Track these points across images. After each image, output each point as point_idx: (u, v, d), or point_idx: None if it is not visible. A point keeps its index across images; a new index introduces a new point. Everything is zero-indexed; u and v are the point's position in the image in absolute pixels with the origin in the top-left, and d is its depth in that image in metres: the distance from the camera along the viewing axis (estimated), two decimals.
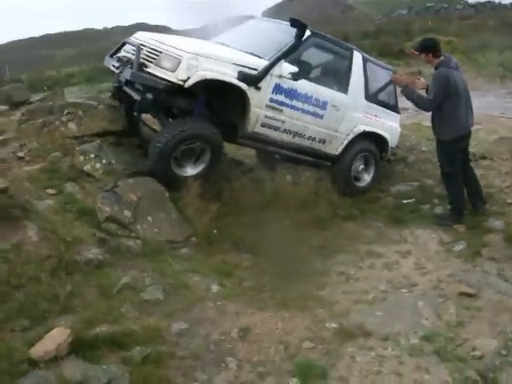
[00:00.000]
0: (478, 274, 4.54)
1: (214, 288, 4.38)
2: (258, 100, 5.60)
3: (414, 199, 6.33)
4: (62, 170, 5.51)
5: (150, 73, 5.28)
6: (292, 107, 5.88)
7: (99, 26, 38.34)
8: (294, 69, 5.67)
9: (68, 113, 6.24)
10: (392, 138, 7.02)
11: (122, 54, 5.94)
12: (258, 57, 5.74)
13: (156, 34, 6.23)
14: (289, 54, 5.72)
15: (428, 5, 37.45)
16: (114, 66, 5.74)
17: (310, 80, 6.02)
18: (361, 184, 6.80)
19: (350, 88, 6.45)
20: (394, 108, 7.15)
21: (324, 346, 3.64)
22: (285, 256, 5.25)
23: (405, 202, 6.35)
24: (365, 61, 6.67)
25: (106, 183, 5.34)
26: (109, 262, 4.40)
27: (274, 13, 37.19)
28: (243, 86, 5.42)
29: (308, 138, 6.20)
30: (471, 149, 6.89)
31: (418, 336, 3.73)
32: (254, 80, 5.48)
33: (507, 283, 4.34)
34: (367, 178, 6.86)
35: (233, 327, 3.77)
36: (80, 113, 6.22)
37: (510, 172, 6.12)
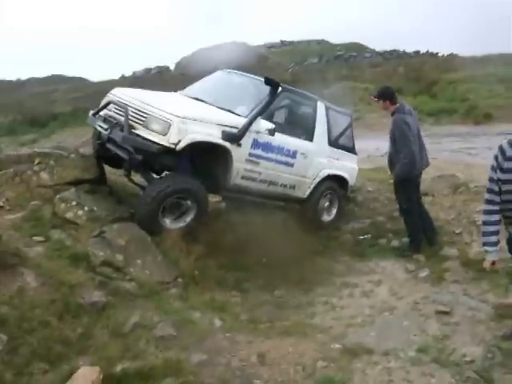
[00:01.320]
0: (447, 294, 5.16)
1: (217, 322, 4.63)
2: (239, 155, 6.02)
3: (369, 235, 6.93)
4: (44, 218, 5.55)
5: (138, 135, 5.53)
6: (267, 159, 6.35)
7: (13, 78, 37.19)
8: (271, 125, 6.16)
9: (39, 162, 6.31)
10: (351, 178, 7.68)
11: (104, 112, 6.15)
12: (237, 114, 6.19)
13: (132, 90, 6.54)
14: (264, 111, 6.23)
15: (338, 53, 39.44)
16: (101, 126, 5.92)
17: (282, 132, 6.46)
18: (326, 219, 7.37)
19: (315, 136, 7.03)
20: (352, 150, 7.81)
21: (335, 363, 3.97)
22: (269, 291, 5.63)
23: (362, 237, 6.95)
24: (327, 109, 7.27)
25: (91, 229, 5.47)
26: (112, 304, 4.51)
27: (190, 62, 38.24)
28: (227, 144, 5.84)
29: (280, 185, 6.69)
30: None
31: (413, 349, 4.19)
32: (236, 138, 5.90)
33: (474, 300, 4.97)
34: (332, 213, 7.44)
35: (250, 354, 4.02)
36: (52, 162, 6.31)
37: (452, 206, 6.92)
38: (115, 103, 6.04)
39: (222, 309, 5.02)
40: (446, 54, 35.99)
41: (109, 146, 5.82)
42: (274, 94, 6.33)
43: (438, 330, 4.51)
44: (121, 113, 5.79)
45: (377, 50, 41.75)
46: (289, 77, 23.66)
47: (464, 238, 6.21)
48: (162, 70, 38.14)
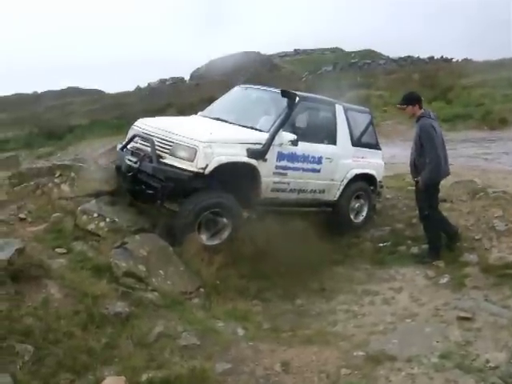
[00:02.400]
0: (468, 300, 5.14)
1: (240, 331, 4.68)
2: (266, 170, 6.17)
3: (389, 242, 6.92)
4: (66, 230, 5.66)
5: (166, 164, 5.70)
6: (294, 169, 6.49)
7: (29, 91, 37.78)
8: (293, 136, 6.29)
9: (60, 175, 6.43)
10: (378, 173, 7.82)
11: (131, 145, 6.34)
12: (259, 130, 6.36)
13: (155, 120, 6.68)
14: (285, 123, 6.35)
15: (352, 61, 39.41)
16: (130, 160, 6.02)
17: (305, 140, 6.55)
18: (358, 220, 7.55)
19: (338, 139, 7.17)
20: (376, 146, 7.95)
21: (359, 371, 3.99)
22: (290, 300, 5.65)
23: (381, 245, 6.94)
24: (346, 111, 7.37)
25: (113, 241, 5.55)
26: (136, 314, 4.57)
27: (204, 72, 38.56)
28: (253, 162, 6.00)
29: (310, 192, 6.85)
30: None
31: (435, 356, 4.19)
32: (261, 154, 6.05)
33: (496, 306, 4.95)
34: (363, 214, 7.61)
35: (273, 362, 4.06)
36: (72, 174, 6.44)
37: (471, 212, 6.87)
38: (140, 136, 6.24)
39: (245, 318, 5.05)
40: (460, 60, 35.88)
41: (140, 176, 5.92)
42: (292, 106, 6.44)
43: (460, 336, 4.50)
44: (147, 144, 5.96)
45: (391, 56, 41.65)
46: (303, 86, 23.69)
47: (484, 244, 6.17)
48: (177, 81, 38.44)
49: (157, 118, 7.08)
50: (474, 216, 6.76)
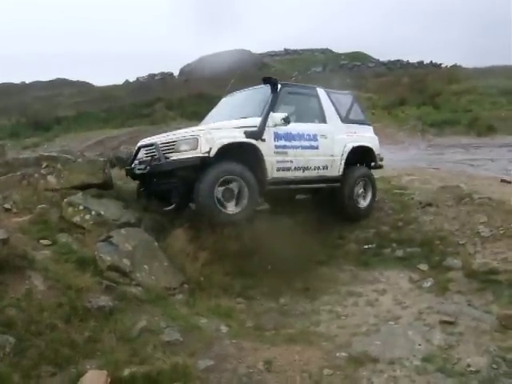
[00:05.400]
0: (451, 305, 5.16)
1: (223, 329, 4.68)
2: (267, 149, 6.54)
3: (374, 244, 6.94)
4: (51, 222, 5.61)
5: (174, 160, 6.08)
6: (293, 147, 6.89)
7: (17, 81, 37.31)
8: (284, 114, 6.67)
9: (46, 166, 6.37)
10: (375, 146, 8.24)
11: (137, 159, 6.81)
12: (251, 117, 6.69)
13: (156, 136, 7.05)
14: (273, 106, 6.77)
15: (342, 63, 39.64)
16: (139, 169, 6.54)
17: (296, 121, 7.03)
18: (363, 205, 7.83)
19: (326, 117, 7.61)
20: (365, 122, 8.48)
21: (341, 372, 4.00)
22: (274, 298, 5.65)
23: (366, 247, 6.96)
24: (328, 93, 7.85)
25: (98, 234, 5.52)
26: (119, 309, 4.55)
27: (194, 68, 38.38)
28: (253, 141, 6.38)
29: (314, 169, 7.21)
30: (417, 197, 7.78)
31: (418, 358, 4.20)
32: (258, 134, 6.43)
33: (478, 311, 4.97)
34: (367, 199, 7.92)
35: (256, 361, 4.05)
36: (59, 166, 6.39)
37: (456, 217, 6.92)
38: (144, 146, 6.76)
39: (228, 315, 5.05)
40: (449, 65, 36.15)
41: (158, 183, 6.54)
42: (275, 90, 6.88)
43: (443, 339, 4.51)
44: (153, 151, 6.43)
45: (380, 59, 41.87)
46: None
47: (468, 249, 6.20)
48: (166, 76, 38.23)
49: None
50: (458, 221, 6.80)
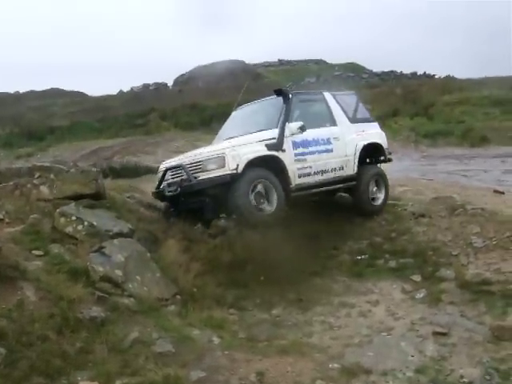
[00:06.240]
0: (444, 316, 5.16)
1: (216, 340, 4.66)
2: (288, 159, 6.92)
3: (367, 255, 6.94)
4: (43, 232, 5.58)
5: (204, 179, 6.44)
6: (310, 153, 7.27)
7: (11, 90, 37.31)
8: (300, 123, 7.11)
9: (39, 176, 6.35)
10: (383, 141, 8.56)
11: (164, 183, 7.06)
12: (268, 129, 7.07)
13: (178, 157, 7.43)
14: (288, 116, 7.16)
15: (335, 73, 40.07)
16: (170, 191, 6.84)
17: (309, 127, 7.30)
18: (377, 203, 8.09)
19: (336, 120, 7.93)
20: (371, 119, 8.79)
21: (334, 383, 4.00)
22: (267, 309, 5.64)
23: (359, 258, 6.95)
24: (334, 96, 8.19)
25: (91, 244, 5.49)
26: (111, 320, 4.54)
27: (188, 78, 38.50)
28: (275, 153, 6.78)
29: (331, 171, 7.58)
30: (410, 208, 7.79)
31: (411, 370, 4.22)
32: (278, 145, 6.83)
33: (471, 322, 4.98)
34: (381, 197, 8.17)
35: (249, 372, 4.04)
36: (52, 176, 6.36)
37: (449, 228, 6.93)
38: (170, 168, 7.05)
39: (220, 326, 5.03)
40: (442, 76, 36.35)
41: (187, 202, 6.84)
42: (288, 101, 7.29)
43: (436, 350, 4.53)
44: (179, 172, 6.78)
45: (374, 70, 42.12)
46: None
47: (461, 260, 6.20)
48: (160, 87, 38.34)
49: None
50: (452, 232, 6.81)
